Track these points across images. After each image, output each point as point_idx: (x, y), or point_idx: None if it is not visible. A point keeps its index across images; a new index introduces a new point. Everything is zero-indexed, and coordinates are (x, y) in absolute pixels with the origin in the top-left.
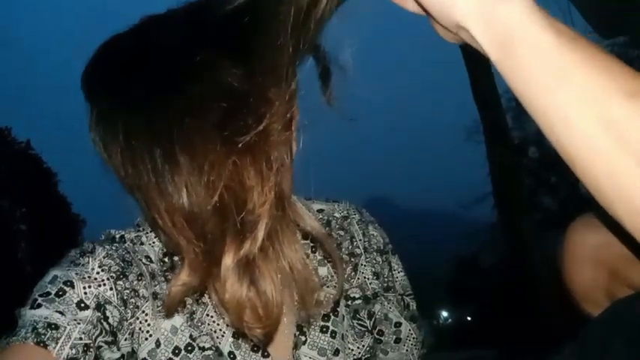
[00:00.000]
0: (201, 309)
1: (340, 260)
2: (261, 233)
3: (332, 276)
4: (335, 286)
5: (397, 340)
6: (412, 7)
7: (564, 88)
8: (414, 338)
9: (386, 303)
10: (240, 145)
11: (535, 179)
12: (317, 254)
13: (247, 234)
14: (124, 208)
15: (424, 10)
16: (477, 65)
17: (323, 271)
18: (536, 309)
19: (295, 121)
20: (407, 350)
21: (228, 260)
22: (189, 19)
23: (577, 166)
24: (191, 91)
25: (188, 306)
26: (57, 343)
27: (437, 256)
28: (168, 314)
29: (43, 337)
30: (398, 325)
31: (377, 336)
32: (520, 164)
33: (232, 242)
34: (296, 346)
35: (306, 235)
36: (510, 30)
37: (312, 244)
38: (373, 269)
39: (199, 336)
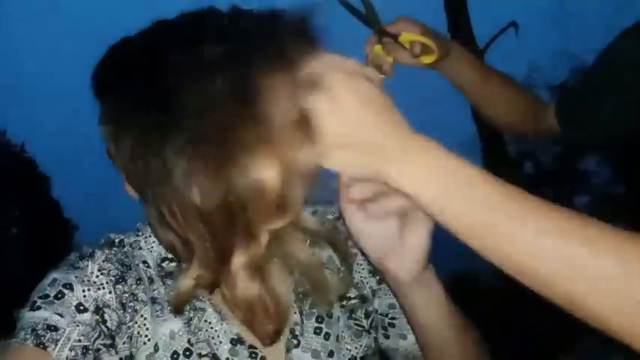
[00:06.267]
0: (198, 315)
1: (348, 250)
2: (264, 237)
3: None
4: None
5: None
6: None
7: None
8: None
9: (385, 294)
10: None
11: (531, 194)
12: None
13: (253, 235)
14: (116, 213)
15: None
16: None
17: None
18: (536, 322)
19: None
20: None
21: (239, 257)
22: (195, 32)
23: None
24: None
25: (185, 312)
26: (56, 345)
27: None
28: (177, 311)
29: (42, 338)
30: None
31: (389, 319)
32: (517, 179)
33: (242, 241)
34: (288, 350)
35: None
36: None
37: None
38: (369, 267)
39: (196, 342)
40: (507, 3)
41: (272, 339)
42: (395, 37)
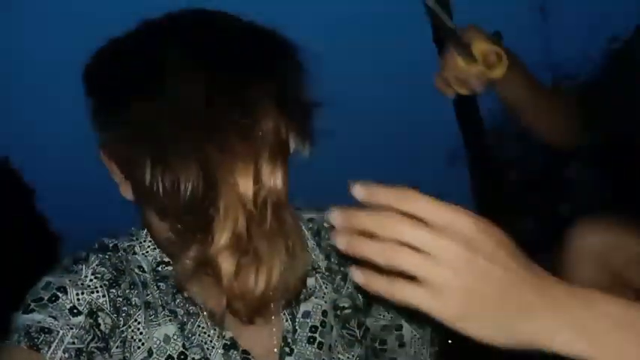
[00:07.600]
0: (192, 320)
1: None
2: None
3: (320, 287)
4: (323, 297)
5: (401, 345)
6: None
7: None
8: (418, 338)
9: (377, 314)
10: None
11: (516, 202)
12: None
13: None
14: (100, 227)
15: None
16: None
17: (311, 281)
18: None
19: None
20: (415, 352)
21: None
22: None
23: None
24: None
25: (179, 317)
26: (50, 347)
27: None
28: (181, 288)
29: (36, 340)
30: (399, 328)
31: (379, 346)
32: (503, 186)
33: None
34: (281, 358)
35: None
36: None
37: None
38: (356, 283)
39: (190, 347)
40: (490, 13)
41: (247, 317)
42: (467, 47)
